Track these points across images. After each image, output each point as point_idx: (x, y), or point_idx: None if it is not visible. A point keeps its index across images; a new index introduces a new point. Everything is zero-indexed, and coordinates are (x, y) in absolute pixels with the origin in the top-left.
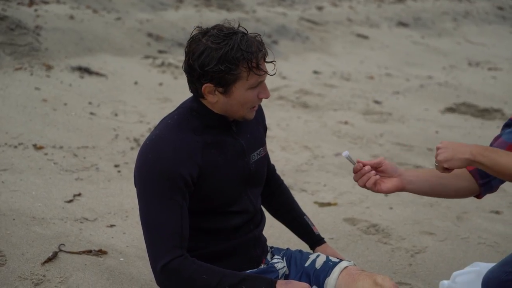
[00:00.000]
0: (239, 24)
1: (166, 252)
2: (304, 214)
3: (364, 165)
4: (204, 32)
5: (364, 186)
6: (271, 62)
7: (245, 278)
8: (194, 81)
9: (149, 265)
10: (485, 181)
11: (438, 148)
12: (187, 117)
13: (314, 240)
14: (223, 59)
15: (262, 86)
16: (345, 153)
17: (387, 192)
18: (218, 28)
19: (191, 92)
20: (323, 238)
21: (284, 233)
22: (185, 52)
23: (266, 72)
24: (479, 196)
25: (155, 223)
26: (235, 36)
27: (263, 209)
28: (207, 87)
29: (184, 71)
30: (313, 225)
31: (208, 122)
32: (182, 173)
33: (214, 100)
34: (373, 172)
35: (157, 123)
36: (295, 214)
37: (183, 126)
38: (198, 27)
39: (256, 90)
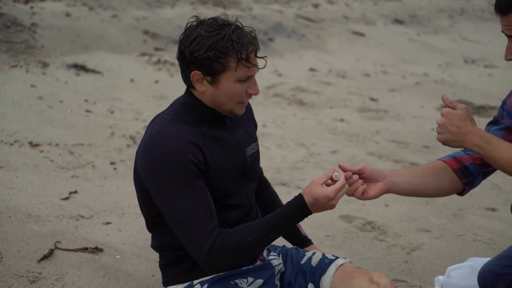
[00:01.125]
0: (236, 19)
1: (205, 238)
2: None
3: (351, 174)
4: (199, 22)
5: (351, 195)
6: (262, 57)
7: (282, 219)
8: (185, 68)
9: (145, 262)
10: (469, 180)
11: (438, 123)
12: (182, 112)
13: (302, 241)
14: (212, 47)
15: (251, 81)
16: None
17: (373, 198)
18: (213, 19)
19: (183, 81)
20: (310, 240)
21: None
22: (179, 39)
23: (255, 66)
24: (462, 193)
25: (184, 215)
26: (228, 27)
27: None
28: (195, 74)
29: (177, 59)
30: (300, 227)
31: (202, 117)
32: (192, 159)
33: (202, 89)
34: (361, 181)
35: None
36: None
37: (180, 120)
38: (195, 16)
39: (245, 84)
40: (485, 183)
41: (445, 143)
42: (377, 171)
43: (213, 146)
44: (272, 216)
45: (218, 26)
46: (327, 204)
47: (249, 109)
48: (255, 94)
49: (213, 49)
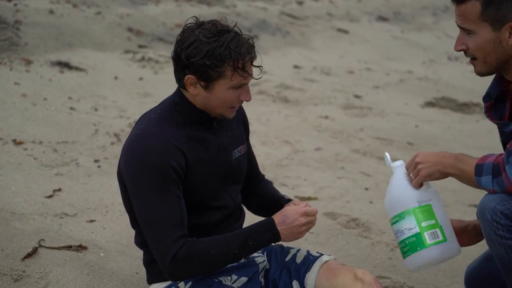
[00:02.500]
0: (235, 24)
1: (171, 245)
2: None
3: None
4: (198, 24)
5: None
6: (258, 66)
7: (248, 235)
8: (179, 70)
9: (129, 259)
10: None
11: (417, 163)
12: (170, 112)
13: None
14: (210, 54)
15: (244, 89)
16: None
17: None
18: (213, 23)
19: (176, 81)
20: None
21: None
22: (176, 40)
23: (250, 75)
24: None
25: (154, 218)
26: (227, 34)
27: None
28: (189, 78)
29: (171, 59)
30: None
31: (190, 118)
32: (173, 164)
33: (195, 92)
34: None
35: (137, 118)
36: (271, 197)
37: (167, 120)
38: (194, 17)
39: (238, 91)
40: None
41: (430, 175)
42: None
43: (197, 148)
44: (240, 231)
45: (217, 32)
46: (296, 221)
47: (241, 111)
48: (247, 101)
49: (211, 56)
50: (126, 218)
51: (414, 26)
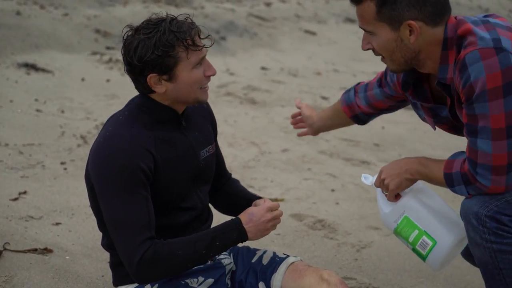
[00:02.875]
0: (166, 13)
1: (137, 247)
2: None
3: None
4: (135, 29)
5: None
6: (206, 37)
7: (215, 235)
8: (138, 78)
9: (95, 262)
10: (361, 123)
11: (383, 179)
12: (137, 113)
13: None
14: (157, 45)
15: (205, 64)
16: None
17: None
18: (147, 20)
19: (139, 91)
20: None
21: None
22: (122, 54)
23: (204, 46)
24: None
25: (122, 220)
26: (164, 22)
27: (211, 207)
28: (151, 77)
29: (126, 72)
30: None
31: (158, 117)
32: (141, 165)
33: (163, 90)
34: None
35: (104, 120)
36: (240, 194)
37: (135, 122)
38: (127, 26)
39: (201, 68)
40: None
41: (399, 187)
42: (307, 116)
43: (166, 149)
44: (207, 232)
45: (154, 24)
46: (263, 217)
47: (208, 111)
48: (214, 74)
49: (159, 47)
50: (92, 220)
51: None
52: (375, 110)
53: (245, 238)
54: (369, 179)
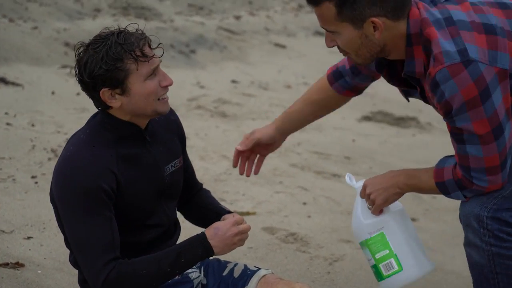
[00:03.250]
0: (118, 26)
1: (102, 268)
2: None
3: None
4: (85, 46)
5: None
6: (157, 46)
7: (179, 252)
8: (93, 94)
9: (67, 276)
10: (339, 82)
11: (369, 194)
12: (99, 130)
13: (223, 214)
14: (104, 59)
15: (160, 74)
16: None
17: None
18: (97, 35)
19: (98, 107)
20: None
21: None
22: (75, 74)
23: (153, 57)
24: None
25: (85, 241)
26: (112, 36)
27: (183, 219)
28: (104, 92)
29: (82, 90)
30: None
31: (120, 134)
32: (103, 186)
33: (118, 104)
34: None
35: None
36: (210, 207)
37: (97, 140)
38: (79, 42)
39: (155, 79)
40: (406, 193)
41: (386, 201)
42: (269, 135)
43: (129, 167)
44: (171, 249)
45: (102, 39)
46: (228, 231)
47: (175, 123)
48: (170, 84)
49: (106, 60)
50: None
51: None
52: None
53: (211, 253)
54: (353, 181)
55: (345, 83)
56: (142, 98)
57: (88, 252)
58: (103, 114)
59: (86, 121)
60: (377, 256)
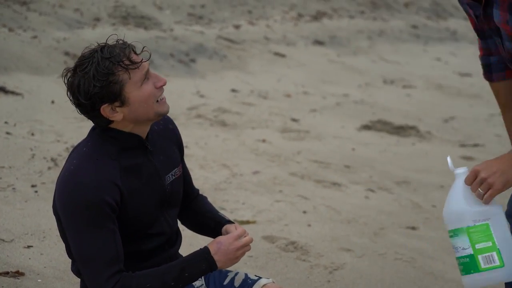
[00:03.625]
0: (97, 43)
1: (106, 281)
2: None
3: None
4: (72, 69)
5: None
6: (142, 51)
7: (183, 266)
8: (93, 114)
9: (67, 285)
10: None
11: (485, 178)
12: (101, 143)
13: (223, 223)
14: (96, 77)
15: (152, 76)
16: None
17: None
18: (81, 56)
19: (99, 126)
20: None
21: None
22: (69, 97)
23: (141, 62)
24: None
25: (90, 254)
26: (96, 53)
27: (183, 227)
28: (104, 109)
29: (80, 113)
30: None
31: (122, 145)
32: (107, 199)
33: (120, 117)
34: None
35: (74, 142)
36: (209, 214)
37: (99, 153)
38: (65, 69)
39: (150, 82)
40: (405, 202)
41: (505, 185)
42: None
43: (131, 179)
44: (175, 263)
45: (87, 58)
46: (231, 245)
47: (173, 131)
48: (164, 84)
49: (99, 78)
50: (63, 244)
51: (349, 50)
52: None
53: (214, 267)
54: (452, 166)
55: (496, 64)
56: (142, 104)
57: (92, 265)
58: (104, 128)
59: (88, 132)
60: (477, 246)
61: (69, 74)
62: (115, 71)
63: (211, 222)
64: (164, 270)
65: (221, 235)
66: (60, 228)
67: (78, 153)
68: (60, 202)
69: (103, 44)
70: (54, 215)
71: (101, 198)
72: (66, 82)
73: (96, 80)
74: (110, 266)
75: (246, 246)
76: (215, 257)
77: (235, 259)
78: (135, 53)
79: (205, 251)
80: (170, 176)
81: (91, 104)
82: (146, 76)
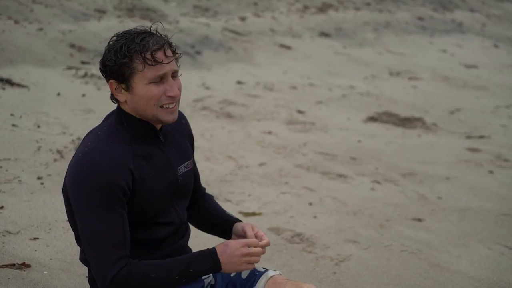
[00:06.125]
0: (150, 27)
1: (112, 265)
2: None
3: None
4: (116, 35)
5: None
6: (174, 55)
7: (189, 262)
8: (106, 82)
9: (73, 277)
10: None
11: None
12: (116, 127)
13: (232, 220)
14: (117, 52)
15: (168, 83)
16: None
17: None
18: (128, 30)
19: (111, 98)
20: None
21: (209, 243)
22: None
23: (162, 63)
24: None
25: (97, 236)
26: (135, 33)
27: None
28: (111, 84)
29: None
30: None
31: (136, 132)
32: (120, 183)
33: (123, 99)
34: None
35: (80, 134)
36: (215, 212)
37: (114, 137)
38: (118, 32)
39: (161, 86)
40: (411, 193)
41: None
42: None
43: (144, 165)
44: (182, 258)
45: (126, 33)
46: (237, 250)
47: (185, 125)
48: (174, 96)
49: (117, 54)
50: (69, 235)
51: (355, 41)
52: None
53: (218, 268)
54: None
55: None
56: (142, 100)
57: (99, 247)
58: (120, 111)
59: (94, 124)
60: None
61: (113, 38)
62: (134, 58)
63: (218, 220)
64: (171, 263)
65: (229, 233)
66: (69, 213)
67: (93, 136)
68: (72, 183)
69: (149, 31)
70: (64, 198)
71: (114, 181)
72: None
73: (115, 55)
74: (117, 250)
75: (253, 256)
76: (221, 259)
77: (239, 265)
78: (164, 53)
79: (212, 251)
80: (183, 167)
81: (104, 72)
82: (161, 78)
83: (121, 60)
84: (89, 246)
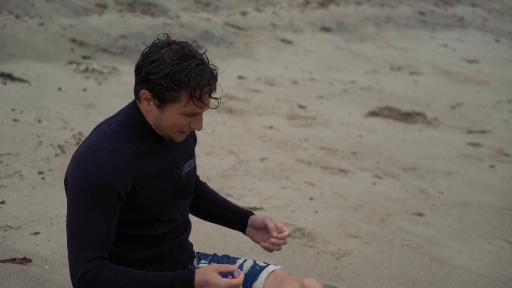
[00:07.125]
0: (205, 51)
1: (85, 262)
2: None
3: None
4: (168, 43)
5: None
6: (216, 98)
7: (162, 282)
8: (138, 83)
9: None
10: None
11: None
12: (124, 125)
13: (245, 213)
14: (169, 76)
15: (197, 118)
16: None
17: None
18: (181, 46)
19: (133, 91)
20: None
21: (210, 238)
22: (142, 52)
23: (206, 106)
24: None
25: (79, 232)
26: (192, 61)
27: (190, 216)
28: (144, 93)
29: (135, 67)
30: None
31: (143, 132)
32: (116, 185)
33: (148, 108)
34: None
35: (81, 129)
36: (221, 203)
37: (120, 135)
38: (165, 34)
39: (190, 118)
40: (412, 188)
41: None
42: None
43: (148, 164)
44: (156, 275)
45: (182, 55)
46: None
47: None
48: (198, 130)
49: (169, 79)
50: None
51: (357, 36)
52: None
53: None
54: None
55: None
56: (168, 123)
57: (77, 243)
58: (133, 110)
59: (95, 119)
60: None
61: (165, 45)
62: (183, 90)
63: (227, 212)
64: (143, 278)
65: (243, 225)
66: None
67: (99, 132)
68: (71, 175)
69: (204, 59)
70: (65, 189)
71: (111, 182)
72: (154, 42)
73: (166, 78)
74: (94, 250)
75: None
76: None
77: None
78: (210, 95)
79: (189, 279)
80: (187, 166)
81: (143, 80)
82: (193, 114)
83: (171, 86)
84: (69, 240)
